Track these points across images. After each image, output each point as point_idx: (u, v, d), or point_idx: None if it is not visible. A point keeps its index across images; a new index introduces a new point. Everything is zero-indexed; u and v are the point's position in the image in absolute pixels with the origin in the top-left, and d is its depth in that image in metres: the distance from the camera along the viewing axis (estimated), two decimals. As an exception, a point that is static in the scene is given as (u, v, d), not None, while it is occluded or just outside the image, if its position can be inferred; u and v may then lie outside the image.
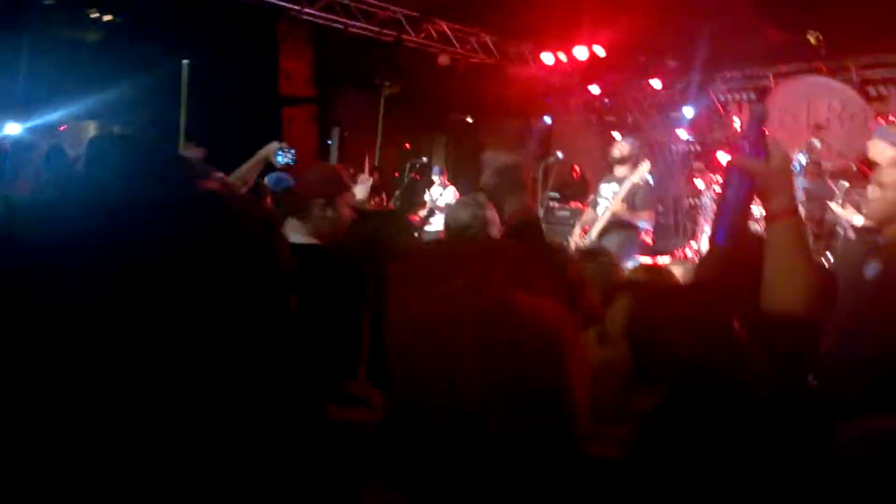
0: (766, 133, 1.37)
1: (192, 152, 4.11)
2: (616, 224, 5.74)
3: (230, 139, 9.41)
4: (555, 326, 0.81)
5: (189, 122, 10.07)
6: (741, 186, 1.36)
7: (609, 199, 5.78)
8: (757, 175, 1.34)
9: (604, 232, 5.77)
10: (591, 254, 2.49)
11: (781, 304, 1.31)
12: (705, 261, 1.76)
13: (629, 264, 6.07)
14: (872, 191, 2.73)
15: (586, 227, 5.99)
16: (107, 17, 9.11)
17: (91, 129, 12.04)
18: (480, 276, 0.83)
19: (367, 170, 10.02)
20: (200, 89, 9.99)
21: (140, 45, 9.44)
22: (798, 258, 1.33)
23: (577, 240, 5.98)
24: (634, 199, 5.62)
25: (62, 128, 11.51)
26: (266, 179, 5.29)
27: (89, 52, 9.12)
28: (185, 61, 9.60)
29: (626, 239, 5.74)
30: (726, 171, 1.43)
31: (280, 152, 4.28)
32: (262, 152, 4.12)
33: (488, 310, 0.79)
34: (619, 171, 5.88)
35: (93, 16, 9.01)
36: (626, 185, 5.58)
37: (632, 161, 5.81)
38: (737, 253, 1.44)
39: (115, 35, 9.22)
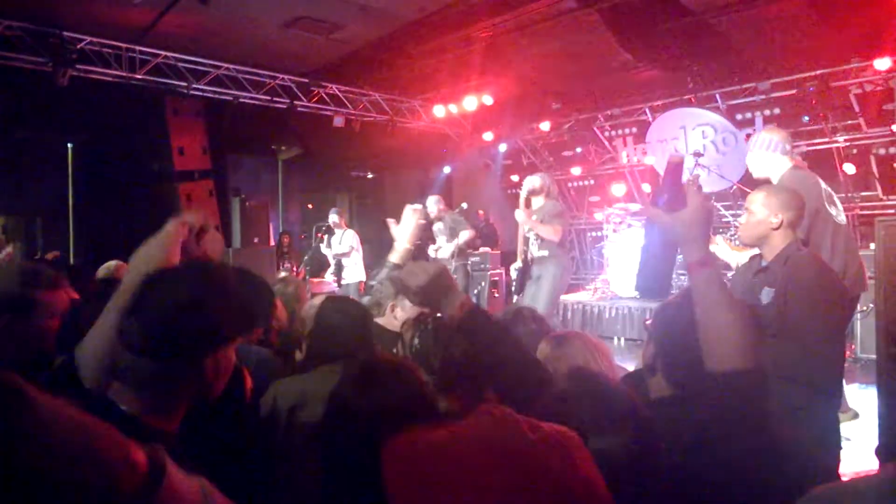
0: (685, 182, 1.36)
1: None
2: (545, 259, 5.87)
3: (126, 220, 9.13)
4: None
5: (81, 204, 9.67)
6: (658, 238, 1.37)
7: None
8: (671, 227, 1.33)
9: (537, 261, 5.90)
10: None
11: (716, 355, 1.30)
12: None
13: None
14: (743, 216, 2.97)
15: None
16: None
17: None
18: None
19: (271, 235, 9.79)
20: (90, 171, 9.67)
21: (20, 131, 9.06)
22: (721, 308, 1.31)
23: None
24: (543, 216, 5.85)
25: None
26: None
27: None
28: (69, 144, 9.27)
29: (561, 269, 5.93)
30: (645, 224, 1.43)
31: None
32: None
33: None
34: (535, 203, 6.03)
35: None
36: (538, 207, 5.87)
37: (545, 192, 5.98)
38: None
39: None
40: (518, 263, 5.97)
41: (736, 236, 8.08)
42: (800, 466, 2.30)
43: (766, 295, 2.73)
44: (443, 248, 8.37)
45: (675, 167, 1.38)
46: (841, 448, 2.86)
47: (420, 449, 1.05)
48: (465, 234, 8.23)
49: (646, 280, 1.41)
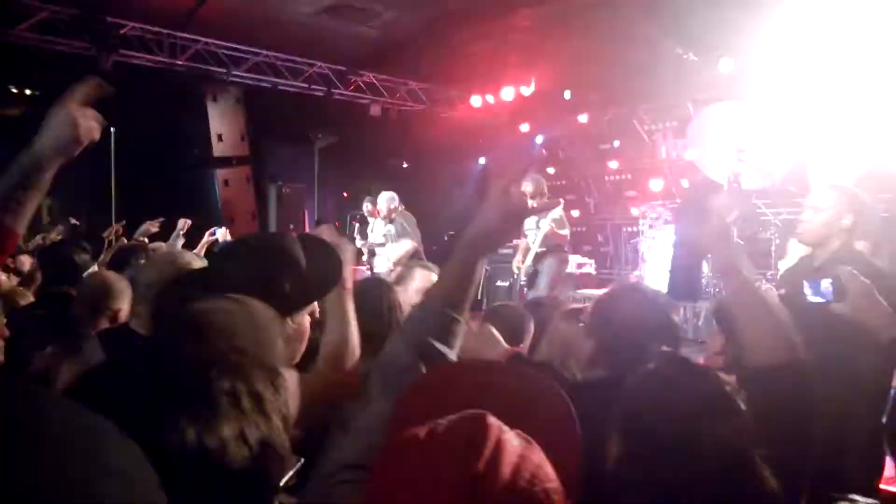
0: (707, 200, 1.45)
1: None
2: (548, 250, 6.86)
3: (165, 203, 9.26)
4: (535, 482, 0.78)
5: (122, 188, 9.87)
6: (685, 250, 1.49)
7: (533, 228, 6.81)
8: (697, 240, 1.44)
9: (539, 257, 6.91)
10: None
11: (756, 354, 1.34)
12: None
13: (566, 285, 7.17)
14: (806, 214, 2.85)
15: (523, 256, 7.08)
16: (28, 91, 8.91)
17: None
18: (469, 412, 0.83)
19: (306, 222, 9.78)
20: (131, 156, 9.86)
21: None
22: (759, 308, 1.36)
23: (517, 265, 7.12)
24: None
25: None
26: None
27: (10, 126, 8.90)
28: (112, 129, 9.44)
29: (559, 260, 7.00)
30: (674, 237, 1.57)
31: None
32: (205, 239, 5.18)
33: (466, 448, 0.77)
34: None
35: (13, 90, 8.81)
36: (549, 219, 6.66)
37: (540, 196, 6.58)
38: None
39: (38, 108, 9.02)
40: (529, 262, 6.91)
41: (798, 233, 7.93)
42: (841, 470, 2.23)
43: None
44: (379, 261, 7.86)
45: (698, 189, 1.54)
46: (885, 455, 2.76)
47: None
48: (404, 246, 7.28)
49: (678, 286, 1.59)
